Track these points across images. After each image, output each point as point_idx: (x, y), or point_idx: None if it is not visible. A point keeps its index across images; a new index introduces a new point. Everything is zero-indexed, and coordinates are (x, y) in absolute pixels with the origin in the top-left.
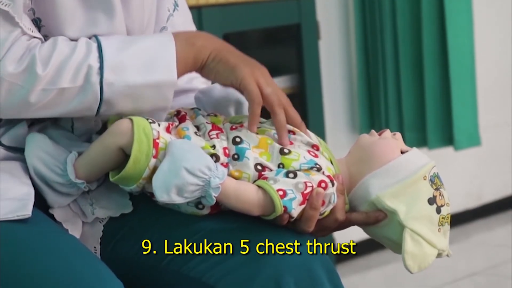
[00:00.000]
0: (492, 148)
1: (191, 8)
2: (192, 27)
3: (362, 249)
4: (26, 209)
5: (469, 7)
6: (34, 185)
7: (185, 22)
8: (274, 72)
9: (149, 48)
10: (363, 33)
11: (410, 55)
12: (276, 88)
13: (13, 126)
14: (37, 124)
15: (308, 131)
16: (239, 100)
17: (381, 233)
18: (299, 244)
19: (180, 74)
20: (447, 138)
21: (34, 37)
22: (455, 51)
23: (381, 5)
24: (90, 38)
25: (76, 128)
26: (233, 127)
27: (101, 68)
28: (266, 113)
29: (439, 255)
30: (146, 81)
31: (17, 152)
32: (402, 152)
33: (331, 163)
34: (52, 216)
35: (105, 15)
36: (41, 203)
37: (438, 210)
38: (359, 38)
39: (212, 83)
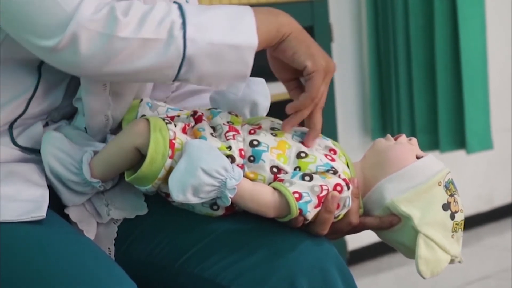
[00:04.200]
0: (503, 152)
1: None
2: None
3: (374, 251)
4: (40, 211)
5: (482, 10)
6: (49, 183)
7: None
8: None
9: (228, 13)
10: (376, 36)
11: (422, 57)
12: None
13: (28, 127)
14: (52, 125)
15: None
16: (255, 101)
17: (394, 238)
18: (312, 245)
19: (262, 42)
20: (459, 142)
21: None
22: (467, 54)
23: (393, 7)
24: None
25: (90, 128)
26: (251, 131)
27: (183, 24)
28: (275, 114)
29: (451, 261)
30: (228, 41)
31: (33, 153)
32: (417, 158)
33: (348, 166)
34: (66, 217)
35: None
36: (55, 204)
37: (452, 216)
38: (371, 41)
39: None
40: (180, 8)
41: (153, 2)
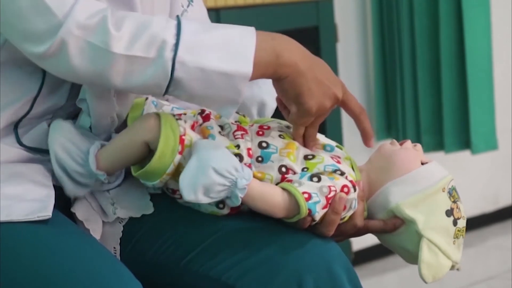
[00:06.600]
0: (508, 152)
1: (209, 10)
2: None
3: (378, 252)
4: (46, 210)
5: (487, 10)
6: (55, 183)
7: (200, 18)
8: None
9: (229, 37)
10: (381, 36)
11: (427, 58)
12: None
13: (33, 127)
14: None
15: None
16: (263, 101)
17: (397, 242)
18: (318, 244)
19: (256, 77)
20: (464, 142)
21: None
22: (472, 54)
23: (398, 7)
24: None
25: (96, 129)
26: (259, 132)
27: (176, 45)
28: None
29: (452, 268)
30: (219, 68)
31: (38, 153)
32: (422, 163)
33: (353, 170)
34: (72, 215)
35: (128, 9)
36: (61, 203)
37: (455, 223)
38: (376, 41)
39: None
40: (178, 26)
41: (151, 13)
